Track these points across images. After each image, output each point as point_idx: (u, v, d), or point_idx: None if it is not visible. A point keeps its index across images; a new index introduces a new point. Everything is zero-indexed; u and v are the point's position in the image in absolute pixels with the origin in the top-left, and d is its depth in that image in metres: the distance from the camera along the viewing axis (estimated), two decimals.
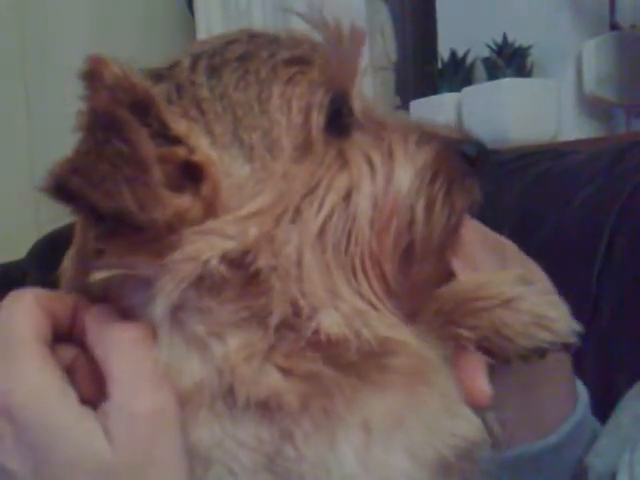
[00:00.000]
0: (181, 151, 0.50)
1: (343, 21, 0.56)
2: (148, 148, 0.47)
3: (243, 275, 0.49)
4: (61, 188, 0.45)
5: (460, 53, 1.97)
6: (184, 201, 0.49)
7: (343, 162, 0.53)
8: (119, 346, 0.47)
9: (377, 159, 0.55)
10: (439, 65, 2.05)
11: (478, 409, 0.53)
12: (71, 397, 0.47)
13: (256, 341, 0.49)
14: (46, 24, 2.26)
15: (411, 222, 0.54)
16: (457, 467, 0.51)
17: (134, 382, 0.46)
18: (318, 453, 0.48)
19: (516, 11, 1.93)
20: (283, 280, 0.49)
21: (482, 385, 0.54)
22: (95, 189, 0.45)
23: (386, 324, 0.51)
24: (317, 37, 0.56)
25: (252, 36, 0.56)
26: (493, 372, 0.56)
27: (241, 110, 0.52)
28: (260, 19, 2.28)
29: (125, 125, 0.46)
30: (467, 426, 0.52)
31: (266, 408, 0.48)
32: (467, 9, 2.05)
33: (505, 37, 1.89)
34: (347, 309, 0.50)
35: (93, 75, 0.47)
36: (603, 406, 0.72)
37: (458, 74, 1.98)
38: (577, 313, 0.57)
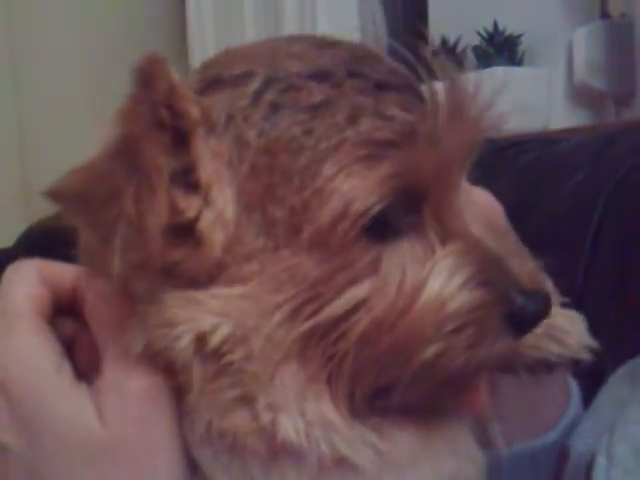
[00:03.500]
0: (193, 207, 0.43)
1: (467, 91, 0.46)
2: (164, 205, 0.42)
3: (209, 366, 0.44)
4: (59, 203, 0.44)
5: (450, 41, 1.97)
6: (179, 253, 0.44)
7: (373, 270, 0.44)
8: (115, 322, 0.46)
9: (410, 281, 0.45)
10: (429, 53, 2.04)
11: (474, 418, 0.51)
12: (66, 372, 0.46)
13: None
14: (34, 8, 2.24)
15: (408, 363, 0.45)
16: None
17: (128, 360, 0.45)
18: None
19: None
20: (251, 377, 0.44)
21: (478, 394, 0.50)
22: (97, 234, 0.44)
23: (349, 441, 0.45)
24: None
25: (352, 74, 0.45)
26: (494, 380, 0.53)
27: (279, 176, 0.44)
28: (251, 6, 2.27)
29: (151, 173, 0.42)
30: (472, 469, 0.49)
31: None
32: None
33: (496, 25, 1.89)
34: (312, 415, 0.44)
35: (145, 78, 0.42)
36: (591, 395, 0.72)
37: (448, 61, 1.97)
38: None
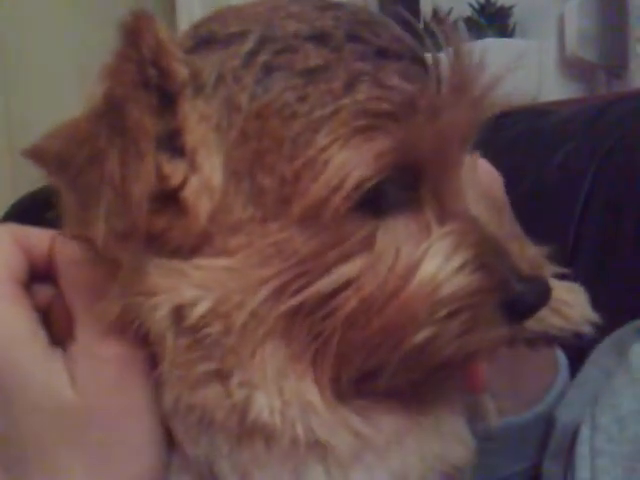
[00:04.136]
0: (179, 173, 0.42)
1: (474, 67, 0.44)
2: (151, 171, 0.40)
3: (183, 337, 0.42)
4: (40, 163, 0.42)
5: (442, 12, 1.95)
6: (163, 220, 0.42)
7: (366, 247, 0.43)
8: (89, 287, 0.45)
9: (404, 260, 0.43)
10: (421, 24, 2.03)
11: (474, 393, 0.50)
12: (39, 338, 0.45)
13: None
14: (21, 3, 2.21)
15: (397, 347, 0.43)
16: None
17: (102, 327, 0.44)
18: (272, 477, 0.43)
19: None
20: (229, 352, 0.42)
21: (477, 368, 0.50)
22: (78, 199, 0.42)
23: (327, 424, 0.43)
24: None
25: (352, 37, 0.43)
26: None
27: (270, 142, 0.41)
28: None
29: (137, 135, 0.40)
30: (459, 451, 0.47)
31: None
32: None
33: None
34: (290, 395, 0.43)
35: (132, 35, 0.41)
36: (577, 365, 0.72)
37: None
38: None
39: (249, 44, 0.42)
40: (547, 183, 1.02)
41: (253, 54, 0.42)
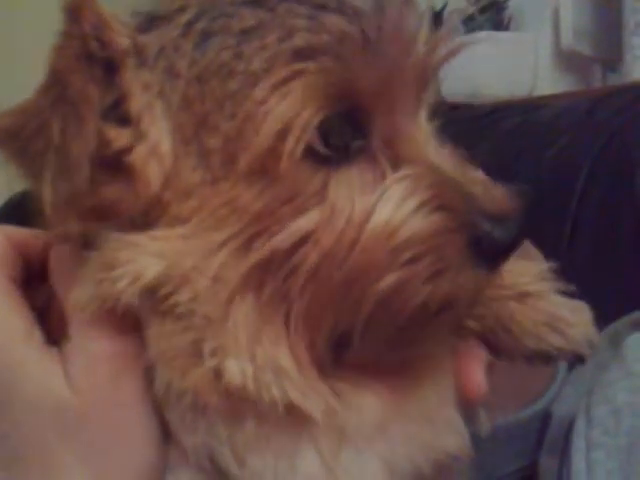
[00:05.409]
0: (123, 137, 0.42)
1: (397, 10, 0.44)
2: (91, 132, 0.41)
3: (153, 306, 0.42)
4: None
5: (437, 6, 1.96)
6: (113, 190, 0.42)
7: (320, 199, 0.42)
8: (70, 279, 0.45)
9: (359, 209, 0.42)
10: (417, 17, 2.03)
11: (470, 404, 0.48)
12: (35, 337, 0.46)
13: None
14: None
15: (363, 298, 0.42)
16: (432, 478, 0.46)
17: (92, 323, 0.44)
18: (266, 463, 0.43)
19: None
20: (201, 319, 0.42)
21: (477, 379, 0.48)
22: (28, 169, 0.43)
23: (300, 388, 0.42)
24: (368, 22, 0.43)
25: None
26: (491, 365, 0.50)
27: (211, 103, 0.42)
28: None
29: (79, 101, 0.42)
30: (451, 439, 0.47)
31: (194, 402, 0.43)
32: None
33: None
34: (264, 360, 0.42)
35: (73, 13, 0.42)
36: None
37: (435, 27, 1.96)
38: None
39: (187, 15, 0.44)
40: (543, 176, 1.02)
41: (191, 24, 0.43)
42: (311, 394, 0.43)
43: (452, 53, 0.47)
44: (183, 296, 0.42)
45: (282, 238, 0.42)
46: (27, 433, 0.45)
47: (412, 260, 0.42)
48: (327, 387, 0.44)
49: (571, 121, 1.08)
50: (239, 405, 0.42)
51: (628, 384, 0.62)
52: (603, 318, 0.56)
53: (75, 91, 0.41)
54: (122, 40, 0.43)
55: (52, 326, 0.47)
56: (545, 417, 0.66)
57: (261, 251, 0.42)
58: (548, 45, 1.89)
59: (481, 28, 1.85)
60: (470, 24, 1.88)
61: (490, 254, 0.43)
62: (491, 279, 0.45)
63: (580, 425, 0.62)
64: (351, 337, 0.44)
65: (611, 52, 1.79)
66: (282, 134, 0.41)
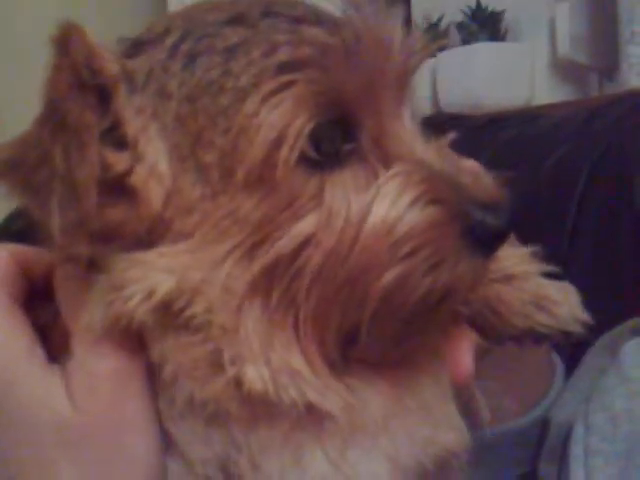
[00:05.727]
0: (122, 161, 0.44)
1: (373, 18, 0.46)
2: (94, 158, 0.42)
3: (166, 321, 0.43)
4: None
5: (434, 18, 1.97)
6: (117, 212, 0.44)
7: (317, 203, 0.44)
8: (82, 305, 0.45)
9: (356, 209, 0.44)
10: (413, 29, 2.04)
11: (459, 386, 0.49)
12: (37, 356, 0.46)
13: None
14: None
15: (368, 295, 0.44)
16: (434, 475, 0.47)
17: (95, 341, 0.45)
18: (278, 466, 0.45)
19: None
20: (218, 329, 0.43)
21: (465, 362, 0.49)
22: (32, 199, 0.43)
23: (316, 389, 0.44)
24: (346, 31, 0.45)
25: (267, 14, 0.45)
26: (483, 352, 0.51)
27: (204, 120, 0.44)
28: None
29: (79, 128, 0.43)
30: (450, 435, 0.48)
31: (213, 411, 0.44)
32: None
33: (478, 2, 1.89)
34: (279, 364, 0.43)
35: (62, 45, 0.43)
36: (572, 365, 0.73)
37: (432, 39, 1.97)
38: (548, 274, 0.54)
39: (172, 38, 0.45)
40: (541, 187, 1.02)
41: (176, 46, 0.45)
42: (327, 392, 0.44)
43: (427, 54, 0.49)
44: (198, 308, 0.43)
45: (284, 243, 0.43)
46: (28, 451, 0.45)
47: (411, 254, 0.44)
48: (341, 384, 0.45)
49: (569, 131, 1.08)
50: (255, 411, 0.44)
51: (625, 390, 0.62)
52: (602, 325, 0.56)
53: (73, 119, 0.43)
54: (112, 66, 0.44)
55: (54, 343, 0.47)
56: (544, 424, 0.67)
57: (265, 258, 0.43)
58: (545, 54, 1.90)
59: (478, 39, 1.86)
60: (467, 35, 1.89)
61: (485, 241, 0.45)
62: (488, 266, 0.46)
63: (578, 432, 0.62)
64: (358, 334, 0.45)
65: (608, 61, 1.80)
66: (276, 144, 0.43)
